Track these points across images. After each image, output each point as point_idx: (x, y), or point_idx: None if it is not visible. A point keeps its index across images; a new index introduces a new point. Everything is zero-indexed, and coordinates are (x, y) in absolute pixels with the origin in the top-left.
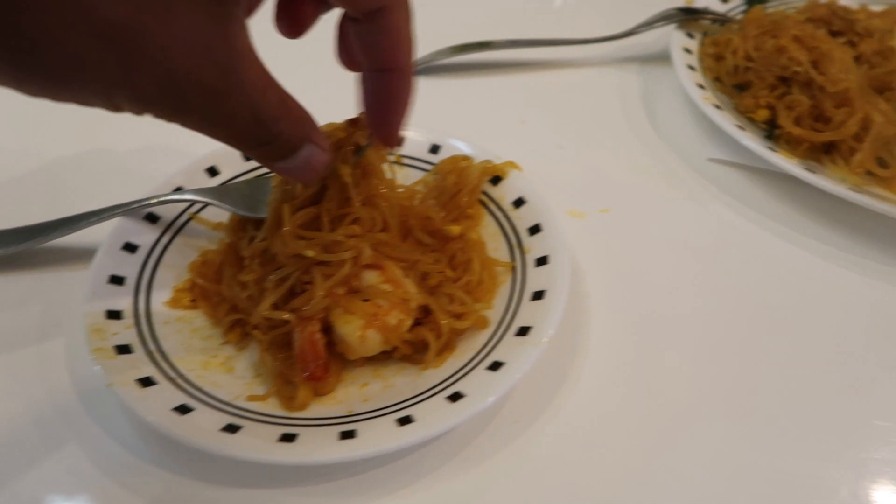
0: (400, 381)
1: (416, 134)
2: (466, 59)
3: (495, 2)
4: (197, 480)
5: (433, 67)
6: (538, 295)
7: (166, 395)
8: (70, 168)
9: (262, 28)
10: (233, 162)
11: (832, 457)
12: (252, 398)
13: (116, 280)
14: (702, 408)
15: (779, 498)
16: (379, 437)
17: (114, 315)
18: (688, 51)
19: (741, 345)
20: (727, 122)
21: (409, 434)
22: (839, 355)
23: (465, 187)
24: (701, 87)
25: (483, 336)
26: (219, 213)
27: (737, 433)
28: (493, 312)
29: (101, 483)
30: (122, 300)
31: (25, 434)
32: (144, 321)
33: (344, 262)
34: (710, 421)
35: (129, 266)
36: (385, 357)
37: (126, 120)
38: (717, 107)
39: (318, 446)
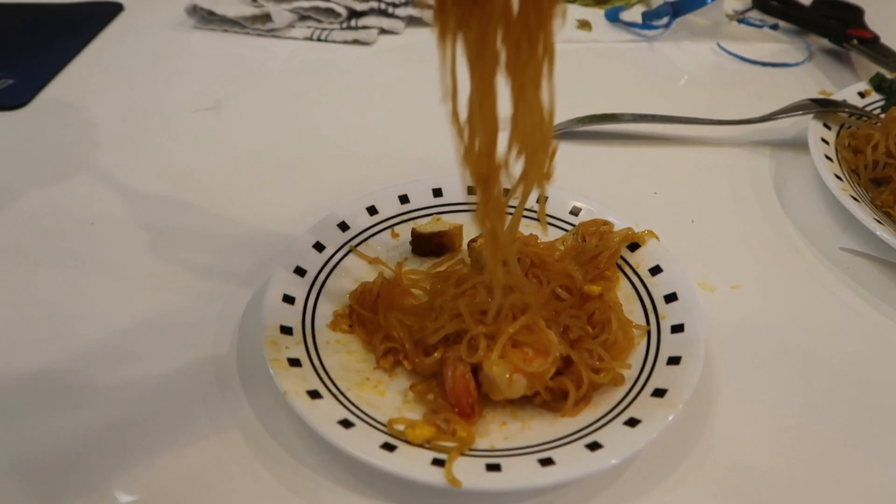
0: (537, 425)
1: (558, 194)
2: (602, 129)
3: (624, 80)
4: (345, 488)
5: (570, 134)
6: (674, 360)
7: (331, 408)
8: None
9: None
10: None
11: None
12: (402, 421)
13: (288, 299)
14: (828, 488)
15: None
16: (522, 473)
17: (286, 330)
18: (825, 141)
19: (867, 433)
20: (865, 214)
21: (550, 474)
22: None
23: (606, 251)
24: (838, 177)
25: (618, 393)
26: (376, 250)
27: None
28: (629, 372)
29: (261, 477)
30: (292, 318)
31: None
32: (310, 339)
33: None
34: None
35: (298, 288)
36: (524, 401)
37: None
38: (855, 198)
39: (466, 474)
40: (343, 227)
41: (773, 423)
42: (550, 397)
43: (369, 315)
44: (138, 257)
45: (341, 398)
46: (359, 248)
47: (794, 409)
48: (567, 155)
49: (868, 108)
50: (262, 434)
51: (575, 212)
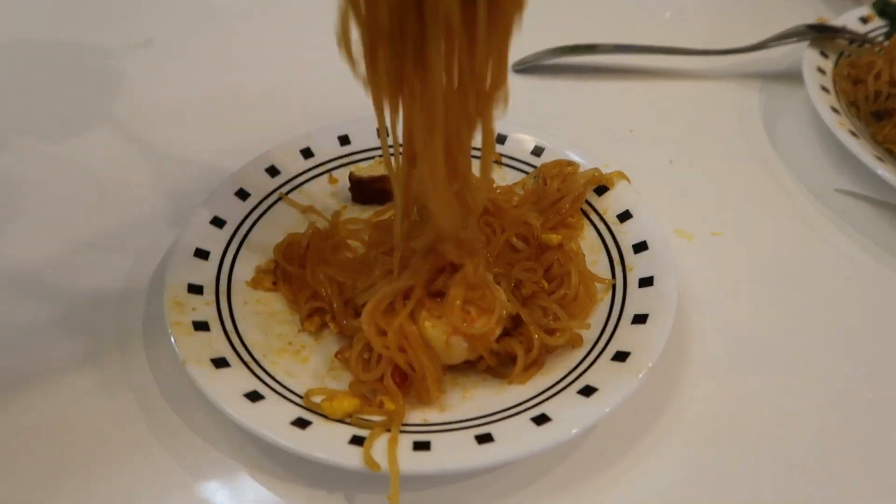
0: (480, 394)
1: (519, 134)
2: (577, 61)
3: (604, 5)
4: (255, 469)
5: (540, 67)
6: (640, 318)
7: (239, 378)
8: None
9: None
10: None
11: None
12: (321, 392)
13: (201, 254)
14: (807, 455)
15: None
16: (454, 453)
17: (195, 289)
18: (821, 71)
19: (857, 385)
20: (864, 151)
21: (486, 454)
22: None
23: (569, 195)
24: (835, 110)
25: (575, 356)
26: (311, 197)
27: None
28: (589, 332)
29: (162, 458)
30: (205, 275)
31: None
32: (224, 299)
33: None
34: (813, 470)
35: (215, 241)
36: (467, 367)
37: None
38: (853, 134)
39: (388, 455)
40: (272, 171)
41: (752, 389)
42: (497, 362)
43: (296, 270)
44: (50, 200)
45: (253, 366)
46: (290, 196)
47: (778, 372)
48: (535, 90)
49: (870, 35)
50: (163, 406)
51: (537, 152)
